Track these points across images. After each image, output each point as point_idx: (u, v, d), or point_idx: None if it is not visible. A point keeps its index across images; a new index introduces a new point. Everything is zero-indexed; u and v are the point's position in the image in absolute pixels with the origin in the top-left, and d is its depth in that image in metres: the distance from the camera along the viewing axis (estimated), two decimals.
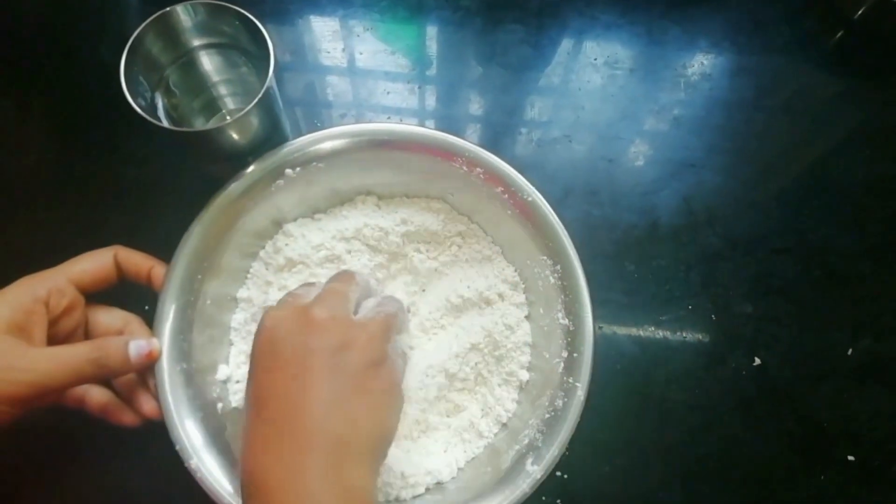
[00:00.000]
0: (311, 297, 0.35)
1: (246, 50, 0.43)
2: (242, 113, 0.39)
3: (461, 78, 0.57)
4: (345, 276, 0.38)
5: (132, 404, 0.40)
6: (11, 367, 0.33)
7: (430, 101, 0.56)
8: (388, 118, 0.55)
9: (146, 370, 0.39)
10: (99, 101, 0.54)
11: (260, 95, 0.39)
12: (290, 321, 0.33)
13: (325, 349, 0.32)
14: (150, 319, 0.40)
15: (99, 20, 0.58)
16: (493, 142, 0.55)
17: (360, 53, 0.57)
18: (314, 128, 0.45)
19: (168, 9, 0.40)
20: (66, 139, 0.54)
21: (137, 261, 0.41)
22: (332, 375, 0.31)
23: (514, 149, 0.54)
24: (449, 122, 0.56)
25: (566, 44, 0.59)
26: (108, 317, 0.40)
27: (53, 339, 0.37)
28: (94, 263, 0.39)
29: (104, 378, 0.37)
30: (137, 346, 0.37)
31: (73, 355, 0.35)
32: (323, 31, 0.58)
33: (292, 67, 0.57)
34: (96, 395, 0.39)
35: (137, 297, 0.44)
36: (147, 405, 0.39)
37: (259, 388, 0.32)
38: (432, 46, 0.58)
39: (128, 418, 0.39)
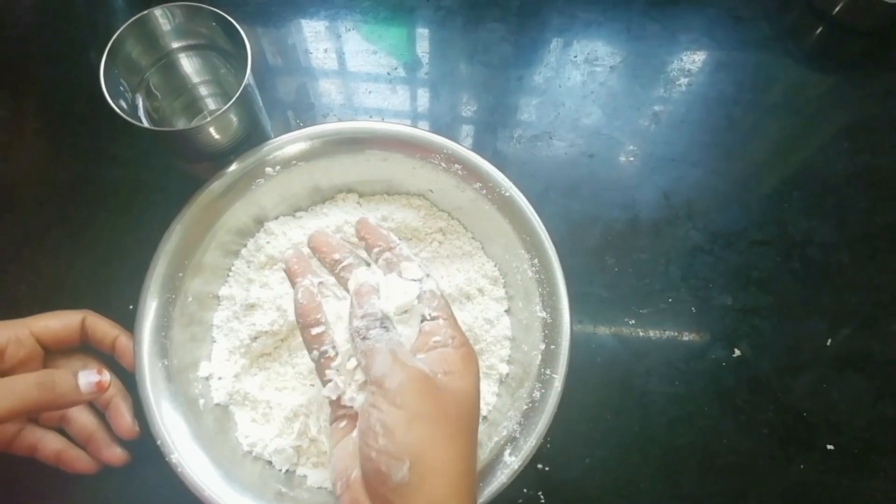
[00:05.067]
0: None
1: (224, 50, 0.44)
2: (221, 112, 0.39)
3: (443, 77, 0.57)
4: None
5: (90, 451, 0.40)
6: None
7: (412, 100, 0.57)
8: (370, 117, 0.56)
9: (97, 399, 0.39)
10: (86, 104, 0.54)
11: (238, 94, 0.39)
12: None
13: None
14: (134, 318, 0.41)
15: (87, 24, 0.59)
16: (475, 139, 0.55)
17: (343, 54, 0.58)
18: (296, 127, 0.46)
19: (146, 11, 0.41)
20: (54, 141, 0.54)
21: (104, 328, 0.41)
22: None
23: (495, 146, 0.55)
24: (431, 121, 0.56)
25: (547, 42, 0.59)
26: (66, 362, 0.41)
27: None
28: (60, 323, 0.40)
29: (55, 406, 0.36)
30: (86, 374, 0.36)
31: (21, 381, 0.34)
32: (306, 32, 0.59)
33: (275, 68, 0.57)
34: (50, 443, 0.39)
35: (122, 299, 0.45)
36: (107, 451, 0.39)
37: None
38: (414, 46, 0.59)
39: (83, 465, 0.39)
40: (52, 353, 0.40)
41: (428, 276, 0.36)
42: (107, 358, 0.42)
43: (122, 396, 0.41)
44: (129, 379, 0.41)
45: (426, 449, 0.30)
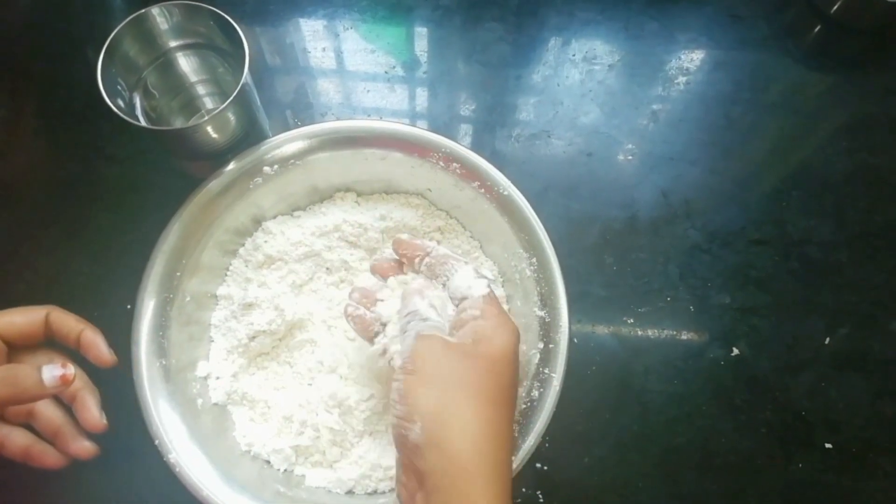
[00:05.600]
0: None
1: (222, 49, 0.43)
2: (218, 111, 0.39)
3: (441, 76, 0.57)
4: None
5: (58, 445, 0.39)
6: None
7: (411, 99, 0.57)
8: (369, 116, 0.55)
9: (62, 393, 0.39)
10: (84, 103, 0.54)
11: (235, 93, 0.39)
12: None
13: None
14: (131, 317, 0.41)
15: (85, 22, 0.58)
16: (474, 138, 0.55)
17: (341, 53, 0.58)
18: (295, 126, 0.46)
19: (143, 10, 0.40)
20: (52, 140, 0.54)
21: (69, 324, 0.41)
22: None
23: (494, 145, 0.55)
24: (429, 120, 0.56)
25: (545, 40, 0.59)
26: (31, 357, 0.40)
27: None
28: (25, 318, 0.39)
29: (18, 400, 0.36)
30: (50, 369, 0.35)
31: None
32: (304, 31, 0.59)
33: (273, 67, 0.57)
34: (17, 439, 0.38)
35: (118, 299, 0.45)
36: (74, 445, 0.39)
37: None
38: (412, 45, 0.59)
39: (51, 460, 0.39)
40: (16, 348, 0.39)
41: (485, 278, 0.37)
42: (73, 353, 0.41)
43: (89, 390, 0.40)
44: (95, 373, 0.41)
45: (442, 410, 0.31)
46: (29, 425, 0.40)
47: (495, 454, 0.31)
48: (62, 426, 0.39)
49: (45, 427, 0.39)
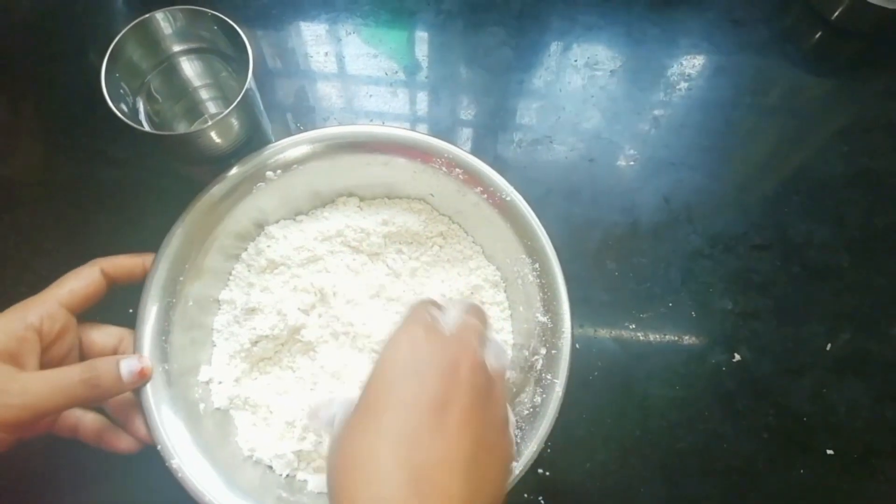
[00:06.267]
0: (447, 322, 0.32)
1: (225, 54, 0.43)
2: (222, 116, 0.39)
3: (443, 80, 0.57)
4: (478, 313, 0.35)
5: (129, 429, 0.39)
6: (2, 392, 0.33)
7: (413, 104, 0.57)
8: (371, 121, 0.56)
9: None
10: (85, 106, 0.54)
11: (239, 98, 0.39)
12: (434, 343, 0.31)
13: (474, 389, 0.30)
14: (134, 321, 0.41)
15: (87, 25, 0.59)
16: (476, 143, 0.55)
17: (343, 57, 0.58)
18: (297, 131, 0.46)
19: (147, 15, 0.40)
20: (53, 143, 0.54)
21: (125, 264, 0.40)
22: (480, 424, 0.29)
23: (496, 150, 0.55)
24: (431, 124, 0.57)
25: (547, 45, 0.59)
26: (102, 335, 0.40)
27: (48, 365, 0.36)
28: (82, 282, 0.39)
29: (98, 399, 0.36)
30: (129, 364, 0.36)
31: (65, 377, 0.34)
32: (306, 36, 0.59)
33: (276, 71, 0.57)
34: (90, 422, 0.39)
35: (121, 302, 0.45)
36: (146, 429, 0.38)
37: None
38: (414, 49, 0.59)
39: (125, 444, 0.39)
40: (81, 316, 0.39)
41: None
42: (125, 297, 0.40)
43: None
44: None
45: (345, 457, 0.28)
46: (100, 409, 0.40)
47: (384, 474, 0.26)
48: (134, 409, 0.39)
49: (117, 411, 0.39)
